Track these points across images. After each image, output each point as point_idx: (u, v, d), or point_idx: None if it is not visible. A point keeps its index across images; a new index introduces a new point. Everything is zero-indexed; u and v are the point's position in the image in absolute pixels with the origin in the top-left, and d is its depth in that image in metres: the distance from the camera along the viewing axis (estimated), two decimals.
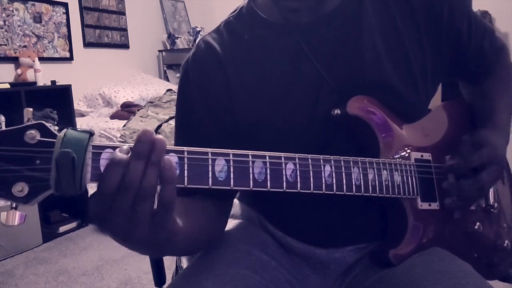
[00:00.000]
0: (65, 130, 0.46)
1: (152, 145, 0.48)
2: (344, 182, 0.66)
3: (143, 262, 2.44)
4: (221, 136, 0.77)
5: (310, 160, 0.63)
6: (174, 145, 0.83)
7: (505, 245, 0.86)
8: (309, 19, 0.76)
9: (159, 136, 0.48)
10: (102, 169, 0.48)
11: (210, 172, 0.55)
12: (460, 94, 0.97)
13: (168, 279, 1.02)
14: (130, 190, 0.47)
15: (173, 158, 0.52)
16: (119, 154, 0.47)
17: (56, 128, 2.78)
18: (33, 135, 0.45)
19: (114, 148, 0.49)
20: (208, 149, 0.55)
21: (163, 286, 1.08)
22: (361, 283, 0.77)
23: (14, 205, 0.46)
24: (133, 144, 0.48)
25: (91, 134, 0.47)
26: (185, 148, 0.54)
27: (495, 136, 0.80)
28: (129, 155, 0.48)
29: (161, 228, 0.50)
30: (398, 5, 0.78)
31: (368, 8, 0.78)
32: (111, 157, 0.47)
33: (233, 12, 0.85)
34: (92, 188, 0.49)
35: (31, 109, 0.47)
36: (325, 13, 0.77)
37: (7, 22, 3.00)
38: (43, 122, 0.46)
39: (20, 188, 0.45)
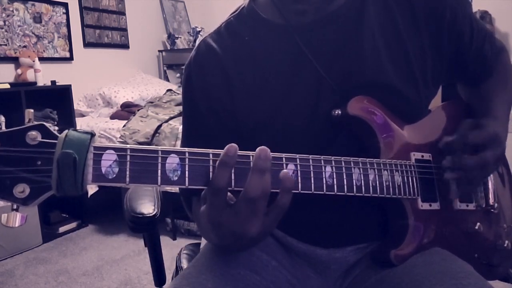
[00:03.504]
0: (66, 131, 0.47)
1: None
2: (345, 183, 0.66)
3: (143, 262, 2.44)
4: (224, 136, 0.77)
5: (311, 161, 0.63)
6: (181, 143, 0.85)
7: (505, 245, 0.86)
8: (311, 20, 0.76)
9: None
10: (103, 170, 0.48)
11: (211, 174, 0.55)
12: (459, 95, 0.97)
13: (168, 279, 1.02)
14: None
15: (174, 159, 0.52)
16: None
17: (56, 128, 2.78)
18: (34, 136, 0.45)
19: (115, 149, 0.49)
20: (209, 150, 0.55)
21: (163, 286, 1.08)
22: (362, 283, 0.77)
23: (15, 206, 0.46)
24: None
25: (92, 135, 0.47)
26: (186, 149, 0.54)
27: (494, 123, 0.80)
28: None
29: (271, 225, 0.59)
30: (399, 5, 0.78)
31: (369, 8, 0.78)
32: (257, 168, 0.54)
33: (233, 13, 0.85)
34: (91, 189, 0.50)
35: (32, 110, 0.47)
36: (327, 13, 0.77)
37: (7, 22, 3.00)
38: (44, 123, 0.46)
39: (21, 189, 0.45)
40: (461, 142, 0.75)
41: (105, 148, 0.49)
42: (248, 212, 0.56)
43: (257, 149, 0.54)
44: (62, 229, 2.94)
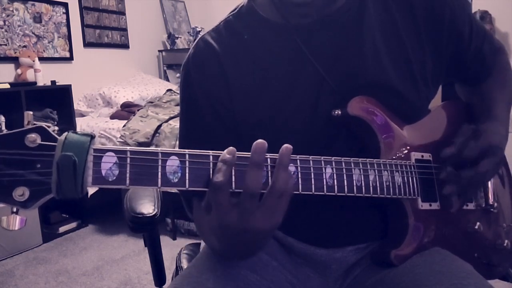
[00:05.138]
0: (66, 133, 0.46)
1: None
2: (345, 184, 0.66)
3: (143, 262, 2.44)
4: (224, 134, 0.77)
5: (311, 162, 0.63)
6: (179, 144, 0.85)
7: (505, 244, 0.87)
8: (311, 20, 0.76)
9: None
10: (103, 172, 0.48)
11: (211, 175, 0.55)
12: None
13: (168, 279, 1.02)
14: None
15: (174, 161, 0.52)
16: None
17: (56, 128, 2.78)
18: (34, 138, 0.45)
19: (115, 151, 0.49)
20: (209, 151, 0.55)
21: (163, 286, 1.08)
22: (362, 283, 0.77)
23: (14, 209, 0.46)
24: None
25: (92, 137, 0.47)
26: (186, 151, 0.54)
27: (493, 126, 0.80)
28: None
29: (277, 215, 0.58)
30: (399, 5, 0.78)
31: (369, 9, 0.78)
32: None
33: (232, 11, 0.85)
34: (92, 189, 0.50)
35: (31, 113, 0.47)
36: (327, 14, 0.77)
37: (7, 22, 3.00)
38: (44, 125, 0.46)
39: (21, 193, 0.44)
40: (458, 156, 0.76)
41: (105, 151, 0.49)
42: (254, 208, 0.56)
43: (254, 143, 0.55)
44: (62, 229, 2.94)
